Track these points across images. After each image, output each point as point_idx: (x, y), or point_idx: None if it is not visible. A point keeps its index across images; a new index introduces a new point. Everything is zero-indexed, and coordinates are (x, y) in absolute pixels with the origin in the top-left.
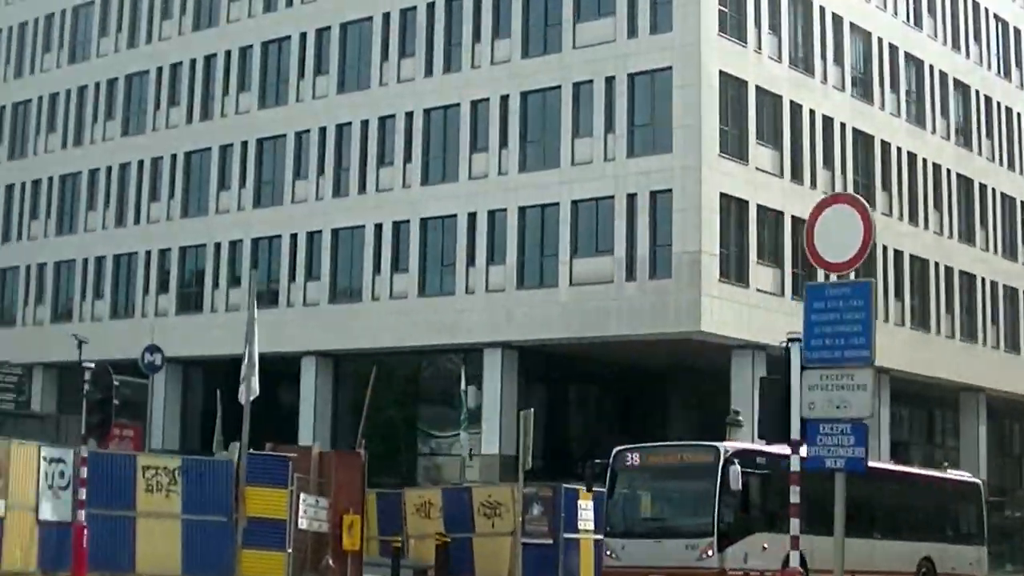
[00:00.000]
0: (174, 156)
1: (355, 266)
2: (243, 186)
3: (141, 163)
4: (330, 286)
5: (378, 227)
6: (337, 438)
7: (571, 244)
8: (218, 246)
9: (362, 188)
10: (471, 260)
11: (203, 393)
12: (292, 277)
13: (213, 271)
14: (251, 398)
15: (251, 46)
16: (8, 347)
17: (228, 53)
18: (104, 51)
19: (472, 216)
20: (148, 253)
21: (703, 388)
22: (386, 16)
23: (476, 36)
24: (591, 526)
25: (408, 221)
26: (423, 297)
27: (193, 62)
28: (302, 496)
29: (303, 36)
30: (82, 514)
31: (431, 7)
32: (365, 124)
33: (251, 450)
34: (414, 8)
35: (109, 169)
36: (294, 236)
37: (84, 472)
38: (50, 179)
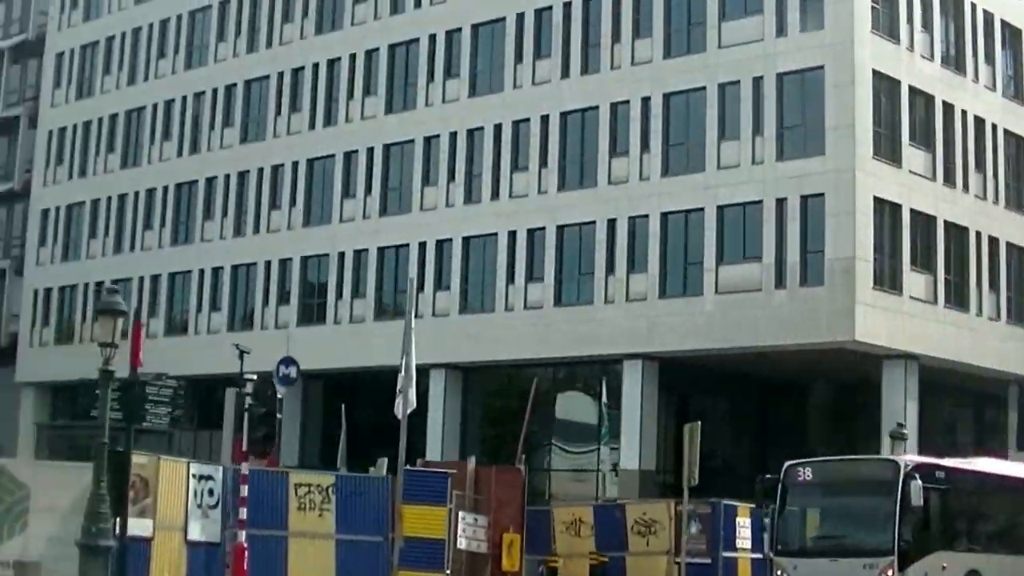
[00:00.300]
0: (295, 163)
1: (487, 275)
2: (368, 193)
3: (261, 171)
4: (460, 296)
5: (512, 235)
6: (466, 453)
7: (716, 251)
8: (342, 256)
9: (495, 195)
10: (610, 268)
11: (323, 408)
12: (420, 287)
13: (336, 282)
14: (408, 411)
15: (377, 49)
16: (119, 360)
17: (353, 56)
18: (222, 56)
19: (612, 223)
20: (268, 264)
21: (848, 400)
22: (520, 16)
23: (615, 36)
24: (749, 544)
25: (544, 228)
26: (559, 307)
27: (316, 66)
28: (461, 514)
29: (432, 38)
30: (243, 534)
31: (567, 6)
32: (498, 128)
33: (407, 466)
34: (549, 8)
35: (227, 177)
36: (423, 245)
37: (245, 490)
38: (165, 188)
